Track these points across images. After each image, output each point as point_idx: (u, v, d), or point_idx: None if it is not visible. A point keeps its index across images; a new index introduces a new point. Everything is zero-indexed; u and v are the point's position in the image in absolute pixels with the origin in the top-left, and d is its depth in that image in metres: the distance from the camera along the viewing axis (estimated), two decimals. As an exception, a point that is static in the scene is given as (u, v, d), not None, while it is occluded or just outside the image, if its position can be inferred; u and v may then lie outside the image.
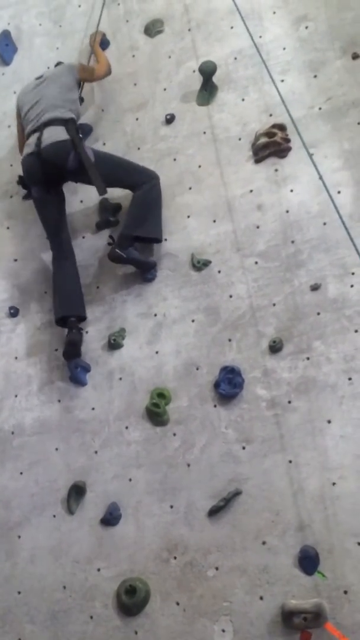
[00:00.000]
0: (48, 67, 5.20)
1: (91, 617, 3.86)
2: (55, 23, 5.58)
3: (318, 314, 3.95)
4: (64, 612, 3.93)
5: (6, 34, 5.65)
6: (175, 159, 4.71)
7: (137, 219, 4.42)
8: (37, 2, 5.72)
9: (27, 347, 4.69)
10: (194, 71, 4.83)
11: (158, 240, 4.49)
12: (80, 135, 4.58)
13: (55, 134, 4.42)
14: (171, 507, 3.90)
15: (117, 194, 4.70)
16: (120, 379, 4.31)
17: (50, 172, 4.48)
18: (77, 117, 4.69)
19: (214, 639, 3.59)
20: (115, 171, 4.54)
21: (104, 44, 5.18)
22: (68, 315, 4.42)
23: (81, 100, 4.96)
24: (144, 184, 4.48)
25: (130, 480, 4.05)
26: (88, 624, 3.86)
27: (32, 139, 4.51)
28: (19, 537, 4.20)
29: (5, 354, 4.73)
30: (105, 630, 3.81)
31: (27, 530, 4.19)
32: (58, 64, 5.10)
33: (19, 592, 4.07)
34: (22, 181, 4.72)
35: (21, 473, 4.35)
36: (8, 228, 5.12)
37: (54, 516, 4.16)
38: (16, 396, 4.56)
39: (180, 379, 4.15)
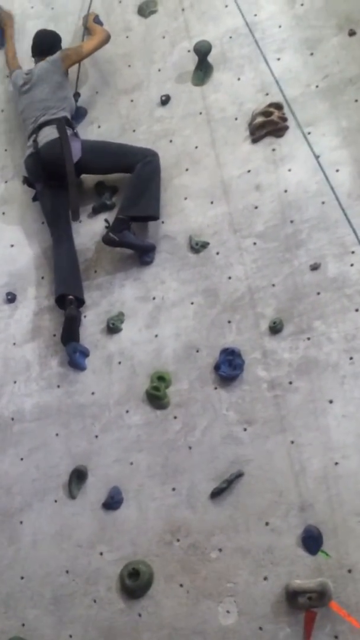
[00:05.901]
0: (32, 57, 5.11)
1: (95, 601, 3.86)
2: (48, 5, 5.52)
3: (318, 293, 3.92)
4: (67, 596, 3.92)
5: (-2, 17, 5.59)
6: (171, 141, 4.67)
7: (132, 200, 4.40)
8: (29, -16, 5.66)
9: (25, 332, 4.66)
10: (188, 51, 4.79)
11: (154, 217, 4.44)
12: (75, 131, 4.69)
13: (49, 134, 4.59)
14: (173, 489, 3.88)
15: (113, 176, 4.67)
16: (120, 363, 4.29)
17: (51, 169, 4.58)
18: (71, 111, 4.82)
19: (218, 620, 3.58)
20: (108, 159, 4.61)
21: (98, 24, 5.09)
22: (67, 293, 4.41)
23: (78, 95, 4.94)
24: (138, 163, 4.45)
25: (131, 463, 4.03)
26: (92, 608, 3.85)
27: (30, 141, 4.68)
28: (21, 522, 4.18)
29: (4, 340, 4.69)
30: (109, 614, 3.80)
31: (29, 515, 4.18)
32: (39, 33, 5.08)
33: (22, 578, 4.07)
34: (27, 181, 4.84)
35: (22, 459, 4.32)
36: (4, 213, 5.08)
37: (56, 501, 4.14)
38: (15, 382, 4.53)
39: (180, 362, 4.13)
